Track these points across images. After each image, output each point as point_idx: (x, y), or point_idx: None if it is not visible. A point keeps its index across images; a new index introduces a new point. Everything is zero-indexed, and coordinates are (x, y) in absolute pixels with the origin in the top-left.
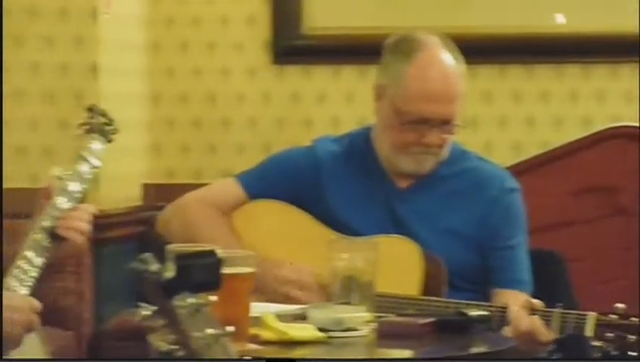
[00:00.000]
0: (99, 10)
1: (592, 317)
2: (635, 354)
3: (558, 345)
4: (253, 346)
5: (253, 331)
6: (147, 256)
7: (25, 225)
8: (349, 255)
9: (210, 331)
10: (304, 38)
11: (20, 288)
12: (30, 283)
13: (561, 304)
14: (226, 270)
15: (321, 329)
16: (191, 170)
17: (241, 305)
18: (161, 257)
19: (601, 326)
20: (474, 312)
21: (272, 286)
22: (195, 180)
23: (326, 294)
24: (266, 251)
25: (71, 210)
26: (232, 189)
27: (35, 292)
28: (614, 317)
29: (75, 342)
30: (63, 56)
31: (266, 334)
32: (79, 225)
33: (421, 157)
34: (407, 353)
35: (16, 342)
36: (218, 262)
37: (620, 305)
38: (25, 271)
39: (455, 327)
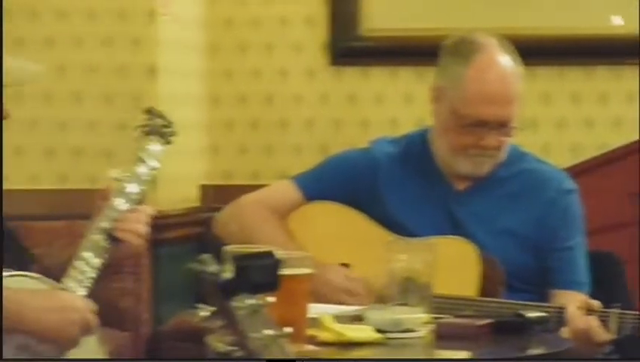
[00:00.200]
0: (157, 11)
1: None
2: None
3: (615, 346)
4: (310, 347)
5: (310, 332)
6: (206, 256)
7: (83, 227)
8: (407, 256)
9: (268, 332)
10: (362, 40)
11: (78, 289)
12: (88, 284)
13: (619, 304)
14: (284, 271)
15: (378, 331)
16: (248, 171)
17: (298, 306)
18: (218, 258)
19: None
20: (531, 313)
21: (323, 290)
22: (253, 181)
23: (376, 300)
24: (323, 253)
25: (129, 212)
26: (289, 191)
27: (93, 293)
28: None
29: (132, 342)
30: (121, 58)
31: (323, 335)
32: (137, 228)
33: (479, 159)
34: (464, 354)
35: (75, 343)
36: (276, 263)
37: None
38: (83, 272)
39: (512, 328)
